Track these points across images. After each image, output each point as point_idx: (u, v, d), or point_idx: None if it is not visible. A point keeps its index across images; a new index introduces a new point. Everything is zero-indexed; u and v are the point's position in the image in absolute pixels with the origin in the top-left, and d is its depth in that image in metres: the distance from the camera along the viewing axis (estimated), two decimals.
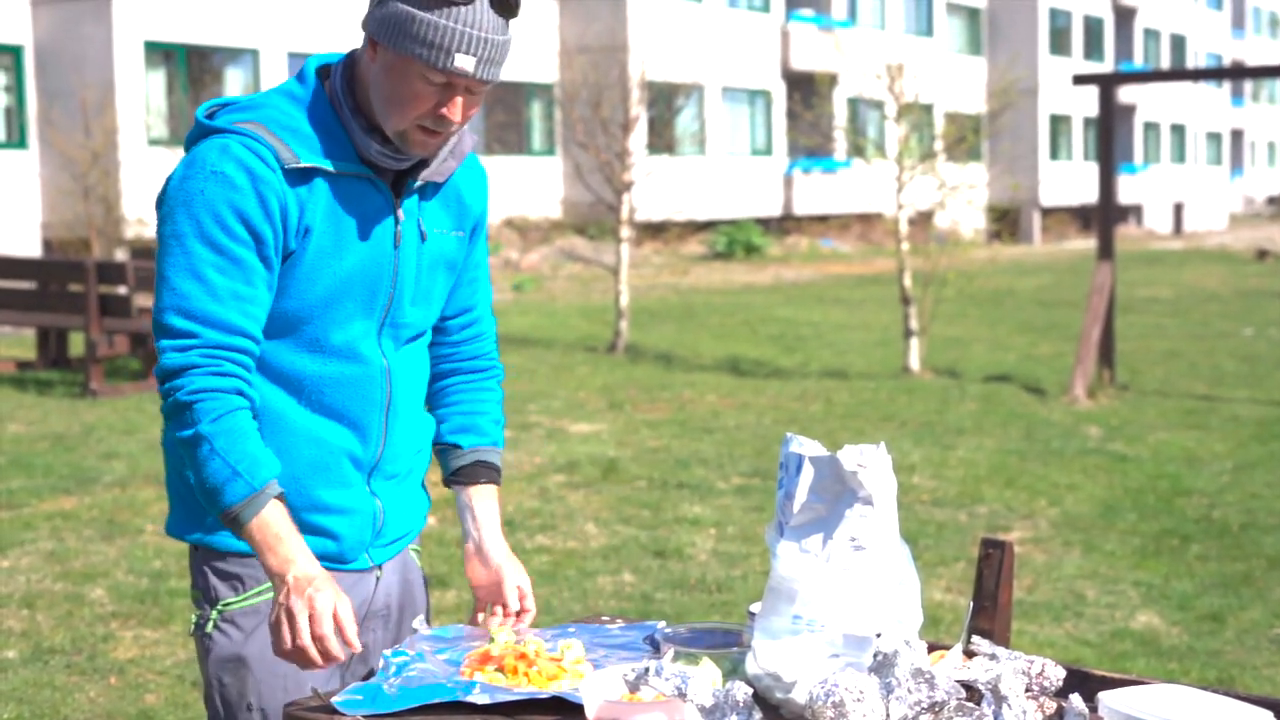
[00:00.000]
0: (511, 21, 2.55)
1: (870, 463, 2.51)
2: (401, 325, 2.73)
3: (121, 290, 13.02)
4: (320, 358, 2.65)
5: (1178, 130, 54.73)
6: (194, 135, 2.61)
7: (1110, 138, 13.83)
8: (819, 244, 36.19)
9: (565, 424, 11.30)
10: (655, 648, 2.77)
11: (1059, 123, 46.84)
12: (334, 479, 2.69)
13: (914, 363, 14.48)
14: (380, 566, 2.81)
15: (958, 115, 31.52)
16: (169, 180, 2.58)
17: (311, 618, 2.43)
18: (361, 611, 2.77)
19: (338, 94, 2.62)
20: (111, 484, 8.92)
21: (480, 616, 2.83)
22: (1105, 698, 2.18)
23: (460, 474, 2.88)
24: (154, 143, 23.47)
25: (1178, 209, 53.58)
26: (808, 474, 2.50)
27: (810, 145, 33.58)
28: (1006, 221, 36.38)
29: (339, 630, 2.44)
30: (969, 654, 2.53)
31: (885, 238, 36.25)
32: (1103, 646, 6.15)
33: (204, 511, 2.67)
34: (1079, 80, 14.34)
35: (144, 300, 13.69)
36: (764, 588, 2.49)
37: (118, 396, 12.35)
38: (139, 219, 22.25)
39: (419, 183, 2.68)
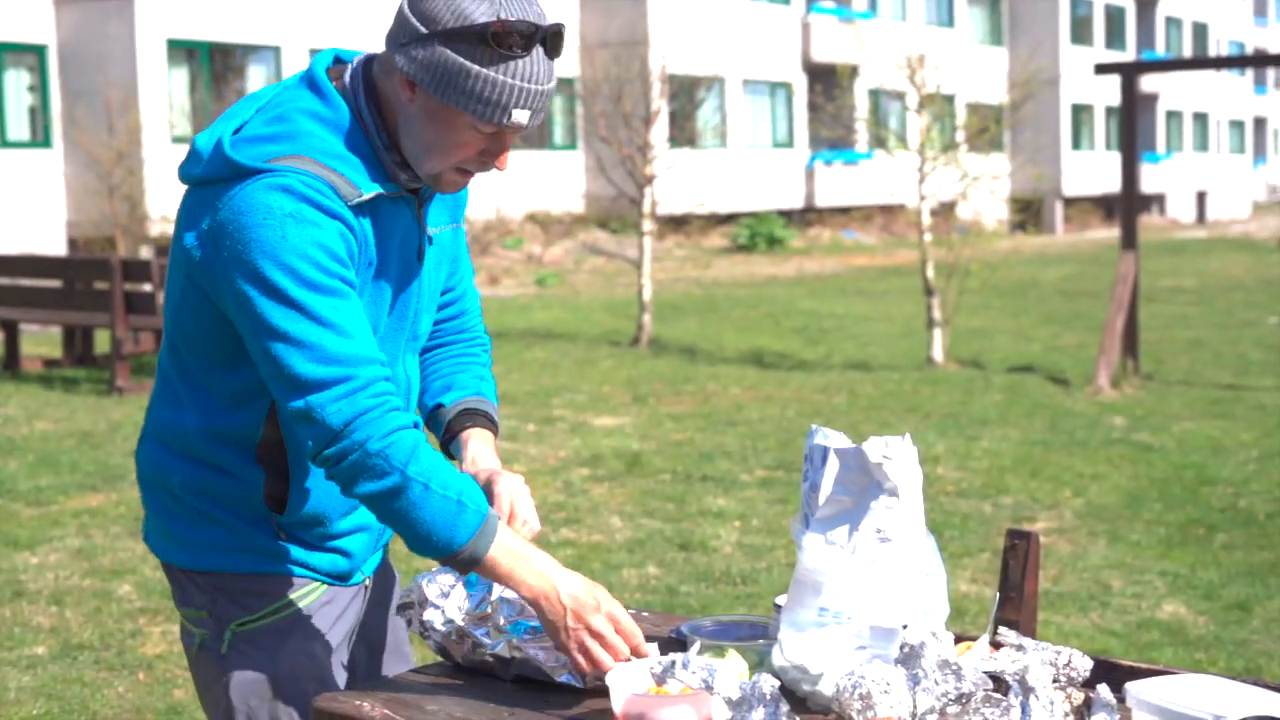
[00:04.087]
0: None
1: (896, 454, 2.51)
2: (419, 337, 2.67)
3: (147, 287, 13.07)
4: None
5: (1200, 119, 54.52)
6: (225, 173, 2.38)
7: (1133, 127, 13.78)
8: (841, 236, 36.16)
9: (589, 418, 11.31)
10: (681, 641, 2.78)
11: (1081, 112, 46.68)
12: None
13: (938, 354, 14.45)
14: (369, 577, 2.76)
15: (979, 106, 31.43)
16: (221, 229, 2.34)
17: (618, 633, 2.40)
18: (355, 630, 2.73)
19: (364, 117, 2.46)
20: (138, 481, 8.94)
21: None
22: (1133, 688, 2.18)
23: (449, 429, 2.73)
24: (178, 140, 23.54)
25: (1201, 197, 53.38)
26: (833, 466, 2.50)
27: (832, 137, 33.55)
28: (1030, 212, 36.28)
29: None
30: (996, 645, 2.53)
31: (907, 229, 36.18)
32: (1129, 637, 6.14)
33: (205, 535, 2.56)
34: (1101, 69, 14.30)
35: None
36: (789, 580, 2.50)
37: (143, 394, 12.39)
38: (163, 217, 22.32)
39: (428, 190, 2.58)
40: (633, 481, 9.00)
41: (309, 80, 2.49)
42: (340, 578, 2.67)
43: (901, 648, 2.40)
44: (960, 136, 16.18)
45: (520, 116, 2.38)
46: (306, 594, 2.63)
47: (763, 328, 18.08)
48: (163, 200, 22.36)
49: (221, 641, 2.58)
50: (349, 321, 2.35)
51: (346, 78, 2.50)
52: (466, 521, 2.33)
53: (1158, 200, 50.28)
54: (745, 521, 8.00)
